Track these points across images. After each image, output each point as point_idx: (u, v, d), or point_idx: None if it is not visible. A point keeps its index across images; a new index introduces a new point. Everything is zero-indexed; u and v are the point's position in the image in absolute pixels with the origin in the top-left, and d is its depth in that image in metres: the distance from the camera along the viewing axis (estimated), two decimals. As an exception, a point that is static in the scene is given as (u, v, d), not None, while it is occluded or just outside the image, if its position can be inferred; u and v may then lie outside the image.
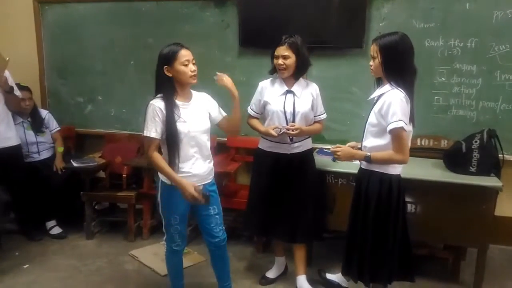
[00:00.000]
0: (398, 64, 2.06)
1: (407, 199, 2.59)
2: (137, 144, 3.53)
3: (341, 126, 3.34)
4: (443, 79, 3.10)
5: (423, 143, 3.16)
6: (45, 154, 3.48)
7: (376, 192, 2.14)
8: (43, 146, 3.46)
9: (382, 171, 2.13)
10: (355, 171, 2.44)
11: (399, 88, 2.03)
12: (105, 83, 3.81)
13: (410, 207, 2.64)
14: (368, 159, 2.11)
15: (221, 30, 3.48)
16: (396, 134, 2.02)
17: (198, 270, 2.96)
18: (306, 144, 2.64)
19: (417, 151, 3.07)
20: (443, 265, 2.96)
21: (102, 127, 3.82)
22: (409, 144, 2.08)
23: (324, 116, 2.69)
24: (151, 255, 3.12)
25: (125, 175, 3.31)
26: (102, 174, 3.53)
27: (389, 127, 2.02)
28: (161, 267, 2.90)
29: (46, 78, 3.91)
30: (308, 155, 2.67)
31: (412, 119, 2.08)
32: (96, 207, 3.56)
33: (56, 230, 3.43)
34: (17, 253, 3.19)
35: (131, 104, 3.75)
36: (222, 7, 3.42)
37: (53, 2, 3.77)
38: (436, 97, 3.14)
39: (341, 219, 2.84)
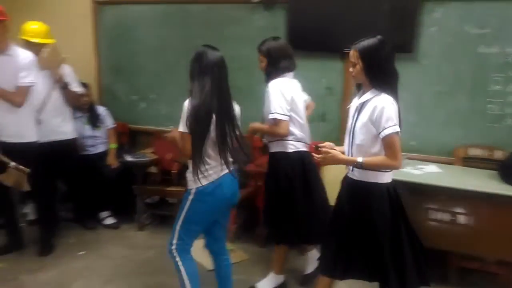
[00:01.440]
0: (381, 69, 2.04)
1: (458, 210, 2.58)
2: (186, 142, 3.68)
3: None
4: (498, 87, 3.02)
5: (476, 154, 3.11)
6: (100, 148, 3.70)
7: (376, 206, 2.07)
8: (98, 141, 3.69)
9: (374, 181, 2.07)
10: (404, 178, 2.45)
11: (385, 93, 2.01)
12: (157, 83, 3.97)
13: (460, 218, 2.62)
14: (360, 166, 2.03)
15: (269, 32, 3.51)
16: (391, 139, 1.98)
17: (243, 267, 3.07)
18: None
19: (469, 161, 3.03)
20: (494, 280, 2.90)
21: (154, 124, 4.00)
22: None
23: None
24: (198, 249, 3.25)
25: (175, 171, 3.47)
26: (153, 169, 3.71)
27: (385, 132, 1.97)
28: (208, 262, 3.04)
29: (103, 76, 4.12)
30: None
31: (401, 120, 2.05)
32: (147, 200, 3.76)
33: (110, 221, 3.66)
34: (72, 241, 3.43)
35: (181, 103, 3.88)
36: (271, 10, 3.48)
37: (110, 3, 3.97)
38: (490, 105, 3.06)
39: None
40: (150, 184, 3.60)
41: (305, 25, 3.34)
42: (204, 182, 2.18)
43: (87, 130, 3.63)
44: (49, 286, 2.81)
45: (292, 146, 2.64)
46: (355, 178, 2.12)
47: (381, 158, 2.03)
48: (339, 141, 3.42)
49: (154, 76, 3.98)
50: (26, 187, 2.90)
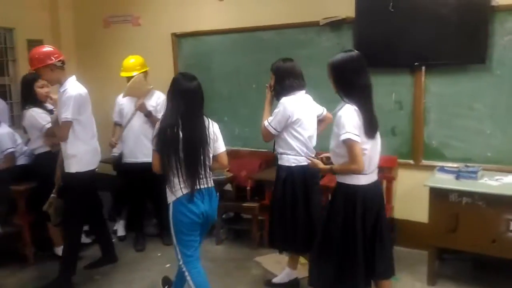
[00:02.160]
0: (347, 81, 2.26)
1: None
2: (259, 159, 3.88)
3: (462, 144, 3.28)
4: None
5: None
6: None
7: (342, 203, 2.28)
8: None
9: (347, 183, 2.27)
10: (481, 189, 2.42)
11: (351, 103, 2.20)
12: (230, 106, 4.23)
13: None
14: (332, 172, 2.32)
15: (336, 52, 3.63)
16: (348, 145, 2.17)
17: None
18: None
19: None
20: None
21: (228, 144, 4.19)
22: (366, 154, 2.21)
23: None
24: (274, 262, 3.39)
25: (249, 188, 3.66)
26: (228, 186, 3.93)
27: (341, 138, 2.17)
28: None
29: (181, 101, 4.47)
30: None
31: (368, 128, 2.20)
32: (223, 216, 3.97)
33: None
34: (159, 254, 3.71)
35: (253, 123, 4.10)
36: (338, 31, 3.61)
37: (188, 35, 4.33)
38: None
39: (465, 240, 2.82)
40: (226, 201, 3.82)
41: (373, 42, 3.40)
42: (178, 195, 2.36)
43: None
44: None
45: (295, 161, 2.82)
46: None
47: (344, 164, 2.24)
48: (411, 155, 3.44)
49: (228, 99, 4.24)
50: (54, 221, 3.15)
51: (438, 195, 2.87)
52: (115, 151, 3.98)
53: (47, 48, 3.01)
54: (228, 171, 3.90)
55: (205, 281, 2.49)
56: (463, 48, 3.18)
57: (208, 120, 2.52)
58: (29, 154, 3.57)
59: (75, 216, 3.07)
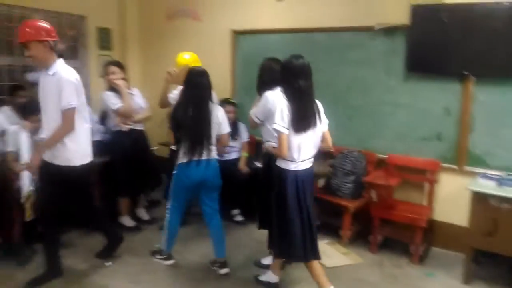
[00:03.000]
0: (285, 81, 2.66)
1: None
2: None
3: (506, 153, 3.39)
4: None
5: None
6: (233, 155, 4.30)
7: (276, 183, 2.69)
8: (233, 150, 4.28)
9: (279, 165, 2.68)
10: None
11: (287, 100, 2.59)
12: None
13: None
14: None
15: (387, 56, 3.83)
16: (277, 135, 2.60)
17: (357, 269, 3.37)
18: None
19: None
20: None
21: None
22: (294, 145, 2.59)
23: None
24: (337, 254, 3.62)
25: (296, 180, 3.90)
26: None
27: (272, 126, 2.61)
28: (327, 261, 3.40)
29: (237, 95, 4.75)
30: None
31: (297, 123, 2.57)
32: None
33: (239, 218, 4.21)
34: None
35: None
36: (391, 36, 3.78)
37: (247, 33, 4.60)
38: None
39: (502, 244, 2.97)
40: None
41: (425, 49, 3.56)
42: (180, 161, 3.06)
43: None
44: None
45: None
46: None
47: (275, 149, 2.69)
48: (455, 160, 3.58)
49: (280, 95, 4.49)
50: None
51: (479, 199, 3.03)
52: None
53: (45, 24, 2.80)
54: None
55: (176, 227, 3.23)
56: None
57: (214, 107, 3.15)
58: (107, 132, 3.99)
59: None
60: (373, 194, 3.80)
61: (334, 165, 3.87)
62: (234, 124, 4.23)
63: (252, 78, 4.64)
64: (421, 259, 3.49)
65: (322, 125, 2.76)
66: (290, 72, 2.64)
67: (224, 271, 3.20)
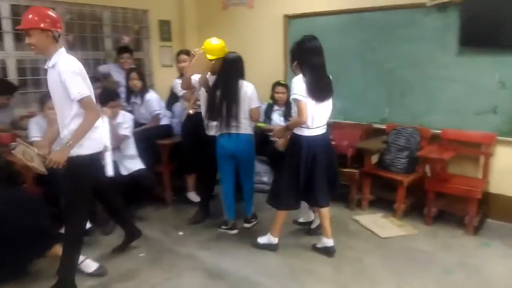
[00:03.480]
0: (301, 59, 3.02)
1: None
2: (360, 130, 4.26)
3: None
4: None
5: None
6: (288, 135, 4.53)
7: (290, 146, 3.12)
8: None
9: (296, 133, 3.06)
10: None
11: (301, 74, 2.99)
12: (334, 81, 4.50)
13: None
14: (287, 127, 3.15)
15: (441, 32, 3.86)
16: (296, 104, 2.94)
17: (412, 239, 3.50)
18: None
19: None
20: None
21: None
22: (309, 110, 2.94)
23: None
24: (371, 222, 3.81)
25: (350, 156, 4.07)
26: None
27: (290, 98, 3.01)
28: (381, 232, 3.58)
29: (289, 77, 4.91)
30: None
31: (312, 94, 2.95)
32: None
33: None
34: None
35: (355, 98, 4.48)
36: (444, 12, 3.79)
37: (299, 16, 4.76)
38: None
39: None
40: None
41: (479, 24, 3.56)
42: (217, 134, 3.49)
43: (281, 121, 4.48)
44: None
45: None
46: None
47: (294, 118, 3.06)
48: (511, 133, 3.58)
49: (331, 75, 4.61)
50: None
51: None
52: None
53: (51, 13, 2.58)
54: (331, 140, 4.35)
55: (228, 195, 3.63)
56: None
57: (244, 84, 3.42)
58: (174, 116, 4.41)
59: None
60: (427, 169, 3.89)
61: (388, 141, 3.99)
62: (286, 104, 4.44)
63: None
64: (476, 231, 3.56)
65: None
66: (304, 51, 3.04)
67: (246, 225, 3.77)
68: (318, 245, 3.32)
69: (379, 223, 3.76)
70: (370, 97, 4.40)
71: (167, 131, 4.29)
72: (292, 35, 4.86)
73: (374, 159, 4.14)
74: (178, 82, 4.12)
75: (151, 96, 4.23)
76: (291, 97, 3.01)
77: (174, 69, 5.68)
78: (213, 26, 5.56)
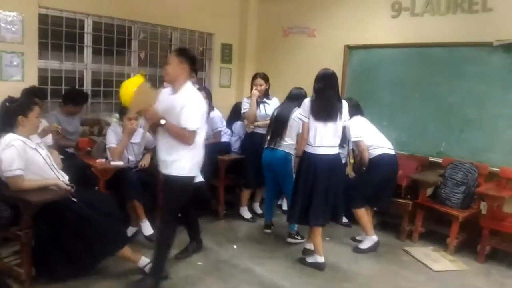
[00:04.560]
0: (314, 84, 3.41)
1: None
2: (416, 162, 4.31)
3: None
4: None
5: None
6: (342, 161, 4.62)
7: (300, 163, 3.46)
8: (342, 155, 4.58)
9: (304, 149, 3.39)
10: None
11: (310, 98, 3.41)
12: (390, 112, 4.67)
13: None
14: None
15: (505, 71, 3.91)
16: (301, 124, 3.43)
17: (463, 276, 3.49)
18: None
19: None
20: None
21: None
22: (313, 132, 3.30)
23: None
24: (422, 254, 3.81)
25: (404, 186, 4.10)
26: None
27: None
28: (433, 265, 3.58)
29: (346, 105, 5.08)
30: None
31: (314, 114, 3.30)
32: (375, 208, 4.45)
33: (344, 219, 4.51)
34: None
35: (411, 130, 4.54)
36: (510, 51, 3.85)
37: (359, 48, 4.91)
38: None
39: None
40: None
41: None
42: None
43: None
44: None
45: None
46: None
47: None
48: None
49: (388, 106, 4.69)
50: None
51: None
52: None
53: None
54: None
55: (269, 200, 4.23)
56: None
57: (296, 109, 3.76)
58: (233, 134, 4.69)
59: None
60: (483, 206, 3.88)
61: (444, 175, 4.01)
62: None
63: (360, 91, 4.97)
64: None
65: (342, 120, 3.42)
66: (315, 79, 3.43)
67: (267, 230, 4.13)
68: (309, 260, 3.52)
69: (431, 256, 3.76)
70: (428, 131, 4.44)
71: (226, 147, 4.51)
72: (351, 65, 5.01)
73: (428, 192, 4.16)
74: (246, 101, 4.40)
75: (215, 114, 4.47)
76: (297, 116, 3.61)
77: (231, 90, 6.04)
78: (273, 52, 5.80)
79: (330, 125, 3.31)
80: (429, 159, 4.40)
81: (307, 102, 3.37)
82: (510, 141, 3.90)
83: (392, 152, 3.89)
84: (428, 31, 4.35)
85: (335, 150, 3.40)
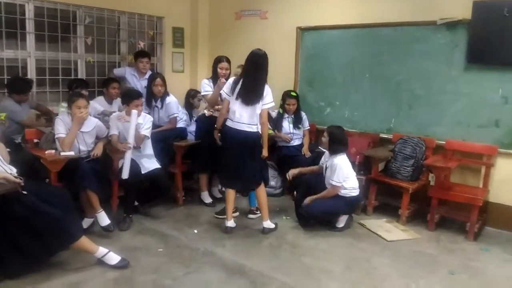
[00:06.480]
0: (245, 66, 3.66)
1: None
2: (368, 139, 4.47)
3: None
4: None
5: None
6: (296, 142, 4.70)
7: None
8: (296, 137, 4.69)
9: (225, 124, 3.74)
10: None
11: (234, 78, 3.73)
12: (343, 92, 4.81)
13: None
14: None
15: (449, 49, 4.09)
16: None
17: (415, 243, 3.68)
18: None
19: None
20: None
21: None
22: (232, 109, 3.62)
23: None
24: (376, 226, 3.99)
25: (358, 162, 4.24)
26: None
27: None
28: (387, 235, 3.75)
29: (299, 86, 5.14)
30: None
31: (237, 96, 3.57)
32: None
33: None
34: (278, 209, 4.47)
35: (362, 108, 4.69)
36: (453, 30, 4.03)
37: (311, 29, 4.97)
38: None
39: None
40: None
41: (485, 42, 3.80)
42: None
43: (290, 128, 4.68)
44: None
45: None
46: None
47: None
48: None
49: (340, 86, 4.82)
50: None
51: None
52: None
53: None
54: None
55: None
56: None
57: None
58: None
59: None
60: (431, 177, 4.09)
61: (395, 150, 4.19)
62: (296, 114, 4.65)
63: (313, 72, 5.06)
64: (476, 237, 3.76)
65: (262, 103, 3.60)
66: (246, 59, 3.61)
67: (251, 216, 4.15)
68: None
69: (385, 228, 3.94)
70: (378, 108, 4.60)
71: (182, 133, 4.45)
72: (304, 47, 5.07)
73: (380, 167, 4.33)
74: (207, 82, 4.26)
75: (171, 99, 4.39)
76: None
77: (184, 75, 5.94)
78: (226, 35, 5.75)
79: (250, 107, 3.57)
80: (380, 135, 4.57)
81: (231, 81, 3.63)
82: (455, 115, 4.11)
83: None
84: (376, 11, 4.47)
85: (253, 128, 3.61)
